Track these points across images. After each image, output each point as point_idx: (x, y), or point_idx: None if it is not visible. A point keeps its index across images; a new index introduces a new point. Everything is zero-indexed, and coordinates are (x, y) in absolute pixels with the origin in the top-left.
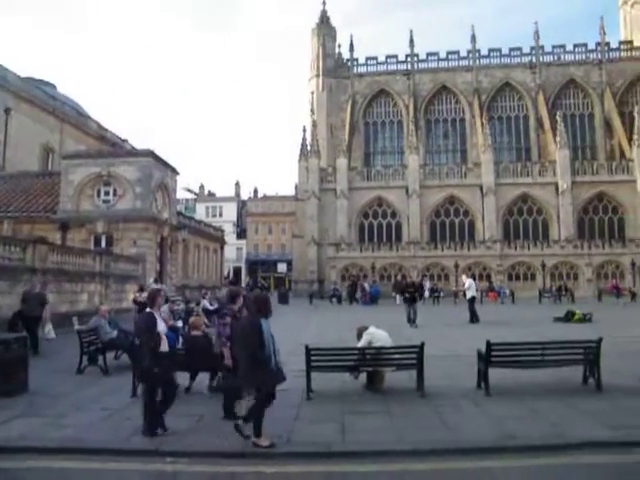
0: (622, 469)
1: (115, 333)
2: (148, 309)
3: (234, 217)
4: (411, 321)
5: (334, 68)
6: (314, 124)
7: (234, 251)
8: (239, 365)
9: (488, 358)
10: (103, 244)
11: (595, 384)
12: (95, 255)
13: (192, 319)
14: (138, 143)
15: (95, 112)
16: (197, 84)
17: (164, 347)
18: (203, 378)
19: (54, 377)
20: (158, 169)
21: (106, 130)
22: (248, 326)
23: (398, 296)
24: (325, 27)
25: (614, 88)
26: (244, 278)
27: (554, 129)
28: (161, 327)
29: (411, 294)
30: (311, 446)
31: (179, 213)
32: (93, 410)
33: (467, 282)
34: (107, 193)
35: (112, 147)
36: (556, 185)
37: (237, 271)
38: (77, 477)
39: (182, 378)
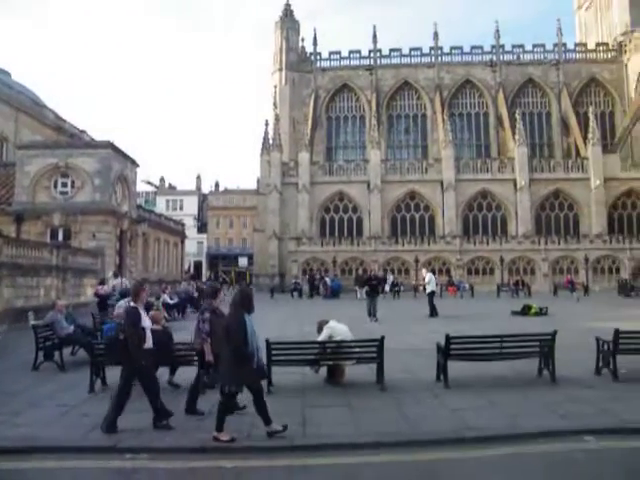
0: (573, 456)
1: (72, 328)
2: (132, 304)
3: (195, 211)
4: (371, 315)
5: (297, 62)
6: (277, 118)
7: (195, 245)
8: (221, 361)
9: (447, 351)
10: (60, 237)
11: (550, 376)
12: (52, 248)
13: (152, 313)
14: (97, 135)
15: (51, 103)
16: (158, 76)
17: (148, 343)
18: (163, 373)
19: (7, 374)
20: (118, 161)
21: (64, 121)
22: (233, 322)
23: (359, 290)
24: (289, 21)
25: (570, 88)
26: (205, 272)
27: (513, 127)
28: (146, 322)
29: (373, 287)
30: (272, 440)
31: (139, 206)
32: (48, 407)
33: (427, 276)
34: (65, 185)
35: (70, 138)
36: (515, 181)
37: (198, 265)
38: (32, 477)
39: None
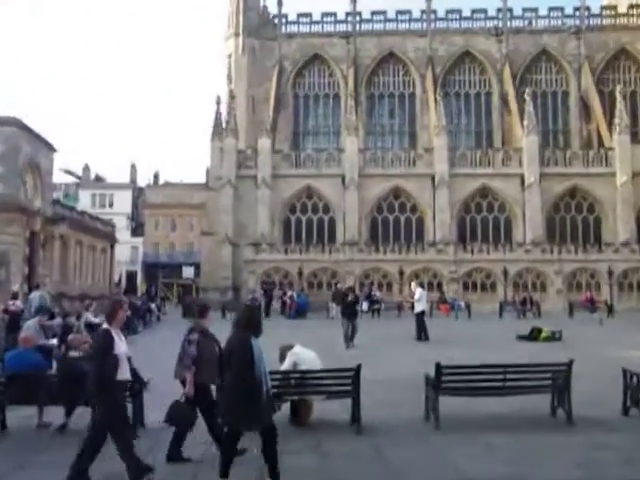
0: None
1: None
2: (105, 325)
3: (128, 208)
4: (348, 340)
5: (258, 26)
6: (231, 95)
7: (128, 251)
8: (223, 393)
9: (438, 384)
10: None
11: (565, 416)
12: None
13: (70, 337)
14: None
15: None
16: (79, 45)
17: (124, 374)
18: (84, 412)
19: None
20: (28, 143)
21: None
22: (236, 345)
23: (334, 307)
24: None
25: (593, 62)
26: (140, 285)
27: (521, 110)
28: (121, 349)
29: (353, 307)
30: None
31: (56, 202)
32: None
33: (417, 292)
34: None
35: None
36: (522, 177)
37: (132, 276)
38: None
39: (54, 414)
